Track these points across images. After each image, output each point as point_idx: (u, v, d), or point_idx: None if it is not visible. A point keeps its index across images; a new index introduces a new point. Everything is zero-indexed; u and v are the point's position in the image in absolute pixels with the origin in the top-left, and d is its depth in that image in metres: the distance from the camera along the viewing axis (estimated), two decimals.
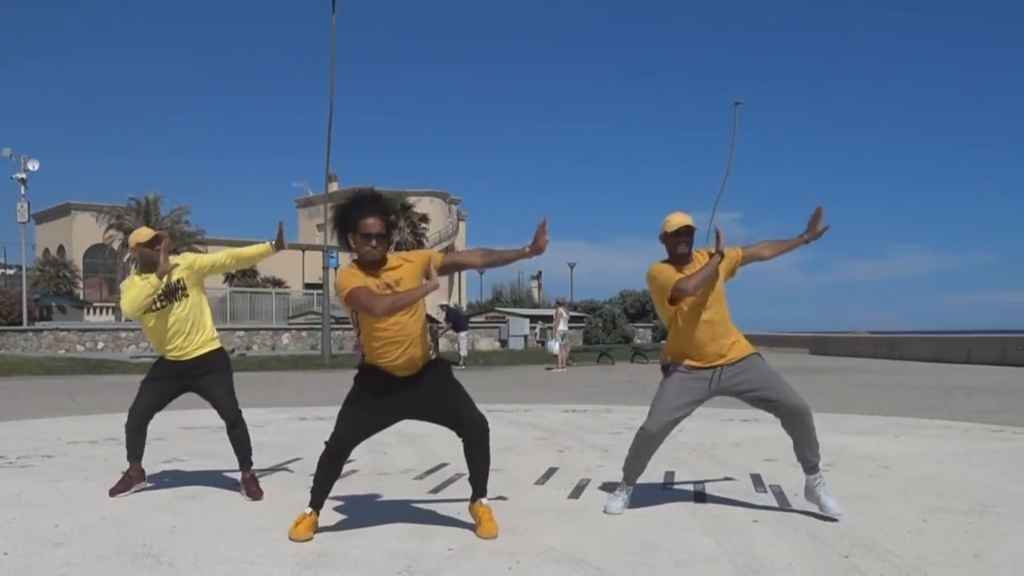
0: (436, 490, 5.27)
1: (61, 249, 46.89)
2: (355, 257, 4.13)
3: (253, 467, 5.17)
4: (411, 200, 45.10)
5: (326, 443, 4.13)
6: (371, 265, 4.03)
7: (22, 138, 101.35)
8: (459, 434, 4.17)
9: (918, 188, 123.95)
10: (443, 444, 6.52)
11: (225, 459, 6.17)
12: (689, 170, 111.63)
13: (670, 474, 5.73)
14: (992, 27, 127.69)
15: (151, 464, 6.14)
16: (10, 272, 39.03)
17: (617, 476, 4.80)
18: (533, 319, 33.35)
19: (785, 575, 3.47)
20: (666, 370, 4.60)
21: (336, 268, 37.01)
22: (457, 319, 24.48)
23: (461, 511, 4.44)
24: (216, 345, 5.17)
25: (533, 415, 9.58)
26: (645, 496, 5.00)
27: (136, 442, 5.18)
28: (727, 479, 5.54)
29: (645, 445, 4.57)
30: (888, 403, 11.42)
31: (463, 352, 23.52)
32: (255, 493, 5.01)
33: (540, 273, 53.65)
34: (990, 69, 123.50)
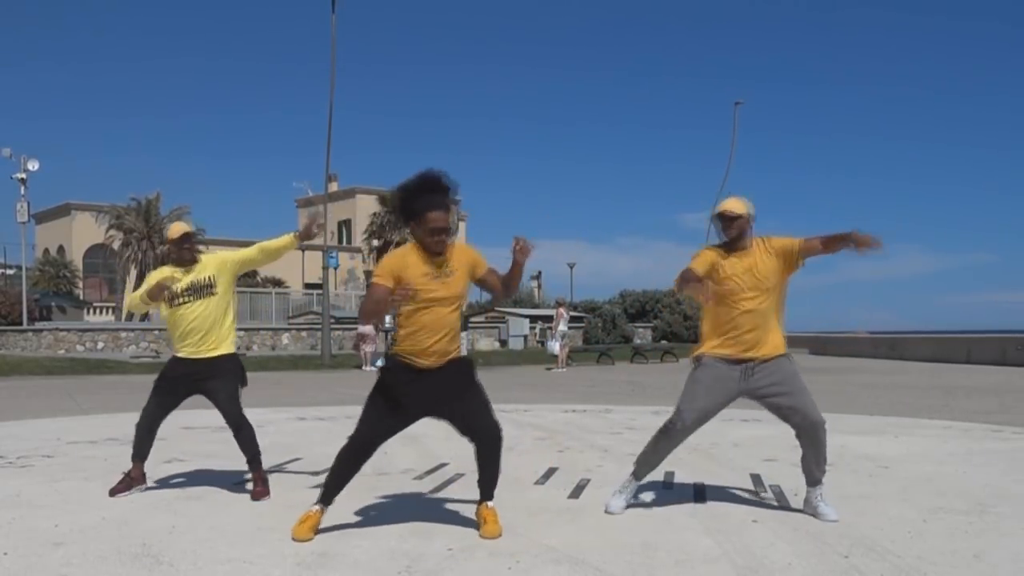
0: (436, 490, 5.27)
1: (61, 249, 46.87)
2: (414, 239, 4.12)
3: (254, 470, 5.16)
4: None
5: (349, 438, 4.14)
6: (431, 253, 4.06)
7: (22, 138, 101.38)
8: (471, 439, 4.16)
9: (918, 188, 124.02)
10: (443, 444, 6.52)
11: (225, 459, 6.17)
12: (689, 170, 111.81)
13: (670, 474, 5.73)
14: (992, 27, 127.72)
15: (151, 464, 6.13)
16: (10, 272, 38.99)
17: (617, 476, 4.80)
18: (533, 319, 33.32)
19: (785, 575, 3.47)
20: (698, 361, 4.56)
21: (336, 268, 37.07)
22: None
23: (461, 511, 4.44)
24: (230, 349, 5.16)
25: (533, 415, 9.58)
26: (645, 496, 5.00)
27: (144, 441, 5.18)
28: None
29: (668, 440, 4.53)
30: (888, 403, 11.42)
31: (463, 352, 23.50)
32: (259, 494, 5.01)
33: (540, 273, 53.59)
34: (990, 69, 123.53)
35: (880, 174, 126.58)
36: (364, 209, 48.46)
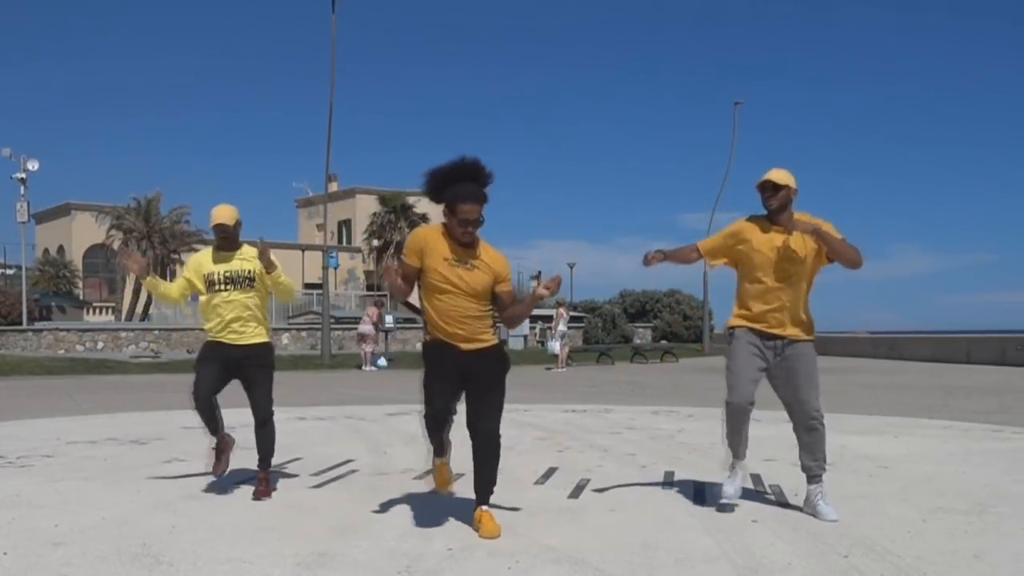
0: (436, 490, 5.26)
1: (61, 249, 46.83)
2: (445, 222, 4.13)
3: (262, 469, 5.16)
4: (411, 200, 44.94)
5: (424, 416, 4.27)
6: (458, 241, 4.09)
7: (22, 138, 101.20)
8: (471, 436, 4.20)
9: (918, 188, 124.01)
10: None
11: None
12: (689, 170, 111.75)
13: (670, 474, 5.73)
14: (992, 27, 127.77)
15: (151, 464, 6.14)
16: (10, 272, 38.96)
17: (617, 476, 4.80)
18: (533, 319, 33.31)
19: (785, 575, 3.47)
20: (731, 334, 4.54)
21: (336, 268, 37.04)
22: None
23: (461, 511, 4.44)
24: (263, 338, 5.16)
25: (533, 415, 9.59)
26: (645, 496, 5.01)
27: (210, 417, 5.17)
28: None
29: (738, 418, 4.49)
30: (888, 403, 11.42)
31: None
32: (259, 494, 5.00)
33: (539, 273, 53.49)
34: (990, 68, 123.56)
35: (880, 174, 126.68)
36: (364, 209, 48.41)
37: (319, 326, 25.42)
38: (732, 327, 4.54)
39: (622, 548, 3.84)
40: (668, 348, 29.27)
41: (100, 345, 25.45)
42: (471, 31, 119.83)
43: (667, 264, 4.73)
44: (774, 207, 4.39)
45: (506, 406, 4.29)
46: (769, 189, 4.37)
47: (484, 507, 4.17)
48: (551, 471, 5.90)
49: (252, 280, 5.05)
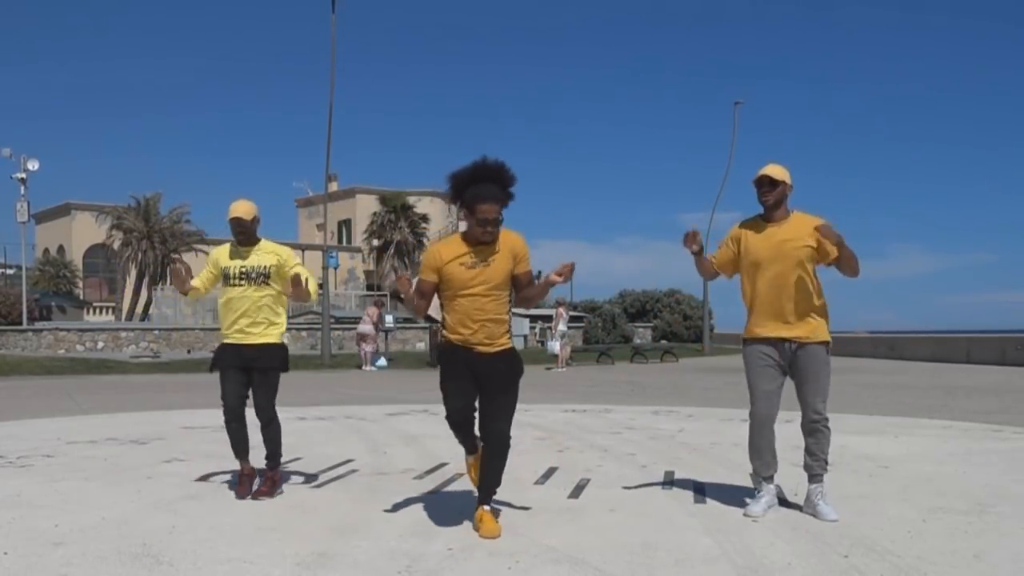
0: (436, 490, 5.27)
1: (61, 249, 46.84)
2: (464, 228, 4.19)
3: (269, 468, 5.15)
4: (411, 200, 45.07)
5: (446, 418, 4.27)
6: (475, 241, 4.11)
7: (22, 138, 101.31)
8: (482, 437, 4.23)
9: (918, 188, 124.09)
10: (443, 444, 6.52)
11: (225, 459, 6.16)
12: (689, 170, 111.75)
13: (670, 474, 5.73)
14: (992, 27, 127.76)
15: (151, 464, 6.14)
16: (10, 272, 38.97)
17: (617, 476, 4.80)
18: (533, 319, 33.32)
19: (785, 575, 3.47)
20: (744, 344, 4.55)
21: (336, 268, 37.04)
22: None
23: (461, 511, 4.44)
24: (276, 339, 5.12)
25: (533, 415, 9.59)
26: (645, 496, 5.01)
27: (238, 436, 5.11)
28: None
29: (757, 429, 4.48)
30: (888, 403, 11.43)
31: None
32: (260, 493, 5.00)
33: (539, 273, 53.64)
34: (991, 68, 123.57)
35: (880, 174, 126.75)
36: (364, 209, 48.45)
37: (319, 326, 25.41)
38: (744, 339, 4.57)
39: (622, 548, 3.85)
40: (668, 348, 29.26)
41: (100, 345, 25.45)
42: (471, 31, 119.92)
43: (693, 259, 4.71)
44: (770, 203, 4.38)
45: None
46: (766, 184, 4.37)
47: (485, 507, 4.18)
48: (551, 471, 5.90)
49: (267, 276, 5.04)
